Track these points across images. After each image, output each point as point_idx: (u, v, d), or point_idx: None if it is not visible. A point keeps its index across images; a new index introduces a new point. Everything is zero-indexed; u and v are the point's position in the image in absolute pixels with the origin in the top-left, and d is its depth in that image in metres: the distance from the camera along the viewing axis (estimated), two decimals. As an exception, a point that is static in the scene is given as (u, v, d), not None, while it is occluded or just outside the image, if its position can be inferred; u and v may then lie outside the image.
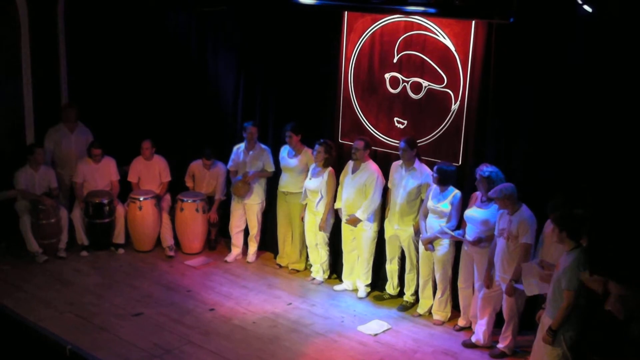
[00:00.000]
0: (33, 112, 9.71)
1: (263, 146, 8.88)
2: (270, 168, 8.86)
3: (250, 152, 8.83)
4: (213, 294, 8.22)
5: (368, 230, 8.04)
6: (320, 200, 8.25)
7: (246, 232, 9.22)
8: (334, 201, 8.25)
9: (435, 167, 7.32)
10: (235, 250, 9.26)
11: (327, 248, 8.52)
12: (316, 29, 8.43)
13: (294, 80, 8.76)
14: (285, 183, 8.66)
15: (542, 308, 6.00)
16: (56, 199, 9.03)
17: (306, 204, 8.48)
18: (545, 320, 5.80)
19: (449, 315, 7.70)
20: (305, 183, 8.36)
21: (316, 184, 8.23)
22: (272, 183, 9.04)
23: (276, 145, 8.93)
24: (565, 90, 6.70)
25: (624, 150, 6.34)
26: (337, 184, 8.21)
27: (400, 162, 7.74)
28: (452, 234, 7.23)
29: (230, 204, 9.17)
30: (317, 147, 8.14)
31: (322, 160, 8.16)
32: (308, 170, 8.48)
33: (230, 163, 9.08)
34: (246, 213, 9.07)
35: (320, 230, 8.34)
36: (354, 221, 7.96)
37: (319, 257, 8.55)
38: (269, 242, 9.32)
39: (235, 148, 9.00)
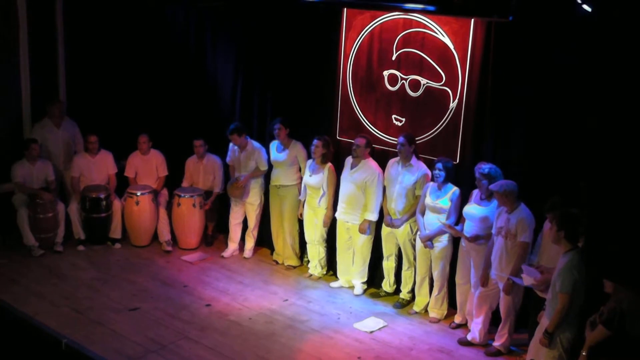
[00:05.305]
0: (31, 107, 9.72)
1: (255, 145, 8.87)
2: (263, 167, 8.86)
3: (242, 153, 8.86)
4: (209, 290, 8.22)
5: (365, 228, 8.05)
6: (322, 196, 8.26)
7: (244, 225, 9.23)
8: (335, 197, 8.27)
9: (439, 165, 7.27)
10: (232, 246, 9.27)
11: (325, 245, 8.53)
12: (315, 25, 8.42)
13: (292, 76, 8.75)
14: (277, 177, 8.70)
15: (543, 309, 5.98)
16: (54, 192, 9.03)
17: (304, 201, 8.49)
18: (544, 321, 5.79)
19: (445, 313, 7.71)
20: (305, 180, 8.36)
21: (317, 180, 8.23)
22: (268, 180, 9.05)
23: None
24: (563, 89, 6.70)
25: (622, 149, 6.34)
26: (337, 179, 8.21)
27: (397, 158, 7.74)
28: (455, 228, 7.22)
29: (230, 199, 9.17)
30: (315, 142, 8.14)
31: (320, 156, 8.17)
32: (298, 163, 8.56)
33: (227, 158, 9.09)
34: (246, 209, 9.10)
35: (324, 226, 8.35)
36: (368, 223, 7.96)
37: (317, 253, 8.56)
38: (265, 238, 9.33)
39: (230, 144, 9.00)
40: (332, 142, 8.27)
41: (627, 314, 5.28)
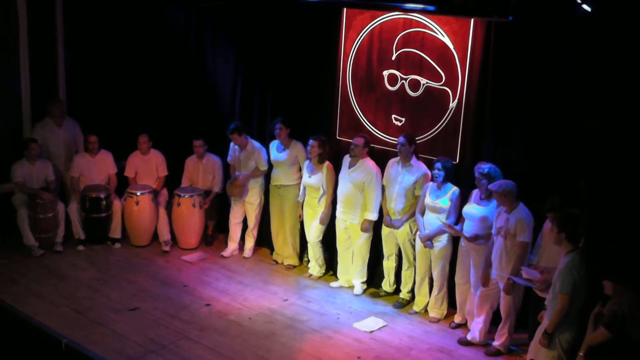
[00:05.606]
0: (31, 107, 9.73)
1: (256, 145, 8.88)
2: (263, 167, 8.86)
3: (242, 152, 8.86)
4: (209, 290, 8.22)
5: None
6: (322, 195, 8.26)
7: (244, 225, 9.24)
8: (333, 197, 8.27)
9: (438, 164, 7.27)
10: (232, 245, 9.27)
11: (321, 245, 8.53)
12: (315, 25, 8.42)
13: (292, 76, 8.76)
14: (277, 176, 8.71)
15: (544, 308, 5.98)
16: (53, 192, 9.03)
17: (303, 202, 8.49)
18: (545, 321, 5.78)
19: (445, 312, 7.71)
20: (304, 180, 8.37)
21: (316, 180, 8.23)
22: (268, 179, 9.05)
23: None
24: (563, 89, 6.70)
25: (622, 148, 6.34)
26: (336, 178, 8.21)
27: (397, 158, 7.75)
28: (454, 228, 7.22)
29: (230, 198, 9.18)
30: (311, 142, 8.15)
31: (316, 156, 8.17)
32: (298, 163, 8.56)
33: (228, 157, 9.10)
34: (245, 209, 9.10)
35: (321, 223, 8.35)
36: (368, 223, 7.96)
37: (315, 253, 8.56)
38: (265, 237, 9.33)
39: (231, 144, 9.01)
40: (329, 142, 8.27)
41: (628, 316, 5.28)
